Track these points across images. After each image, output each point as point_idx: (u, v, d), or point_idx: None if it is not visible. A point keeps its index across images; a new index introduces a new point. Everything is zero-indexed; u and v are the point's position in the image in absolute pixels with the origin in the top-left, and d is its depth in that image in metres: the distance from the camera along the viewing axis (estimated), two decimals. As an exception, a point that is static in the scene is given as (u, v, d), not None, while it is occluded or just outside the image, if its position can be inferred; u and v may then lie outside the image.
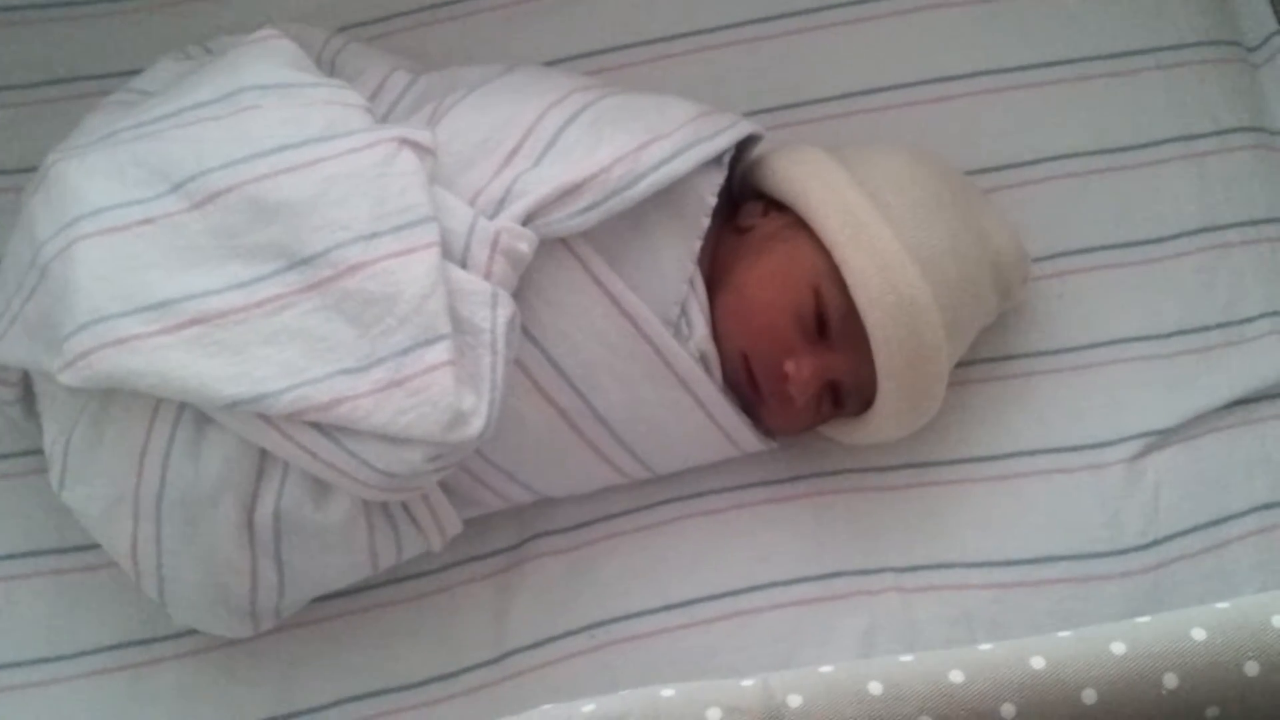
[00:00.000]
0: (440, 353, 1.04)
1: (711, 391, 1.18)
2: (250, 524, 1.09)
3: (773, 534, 1.25)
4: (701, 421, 1.19)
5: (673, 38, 1.41)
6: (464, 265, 1.09)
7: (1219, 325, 1.31)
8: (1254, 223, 1.35)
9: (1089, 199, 1.35)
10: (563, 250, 1.14)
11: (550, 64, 1.38)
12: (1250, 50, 1.41)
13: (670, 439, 1.20)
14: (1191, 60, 1.39)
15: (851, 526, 1.26)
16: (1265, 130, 1.38)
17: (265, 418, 1.04)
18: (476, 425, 1.05)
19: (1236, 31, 1.42)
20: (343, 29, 1.37)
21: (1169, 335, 1.31)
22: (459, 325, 1.06)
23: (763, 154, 1.26)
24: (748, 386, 1.20)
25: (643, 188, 1.14)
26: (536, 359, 1.13)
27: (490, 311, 1.07)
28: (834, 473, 1.28)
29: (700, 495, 1.26)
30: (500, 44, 1.40)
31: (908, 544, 1.25)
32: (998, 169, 1.36)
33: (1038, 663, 0.79)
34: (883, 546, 1.25)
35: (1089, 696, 0.78)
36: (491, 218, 1.11)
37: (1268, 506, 1.25)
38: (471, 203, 1.12)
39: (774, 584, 1.23)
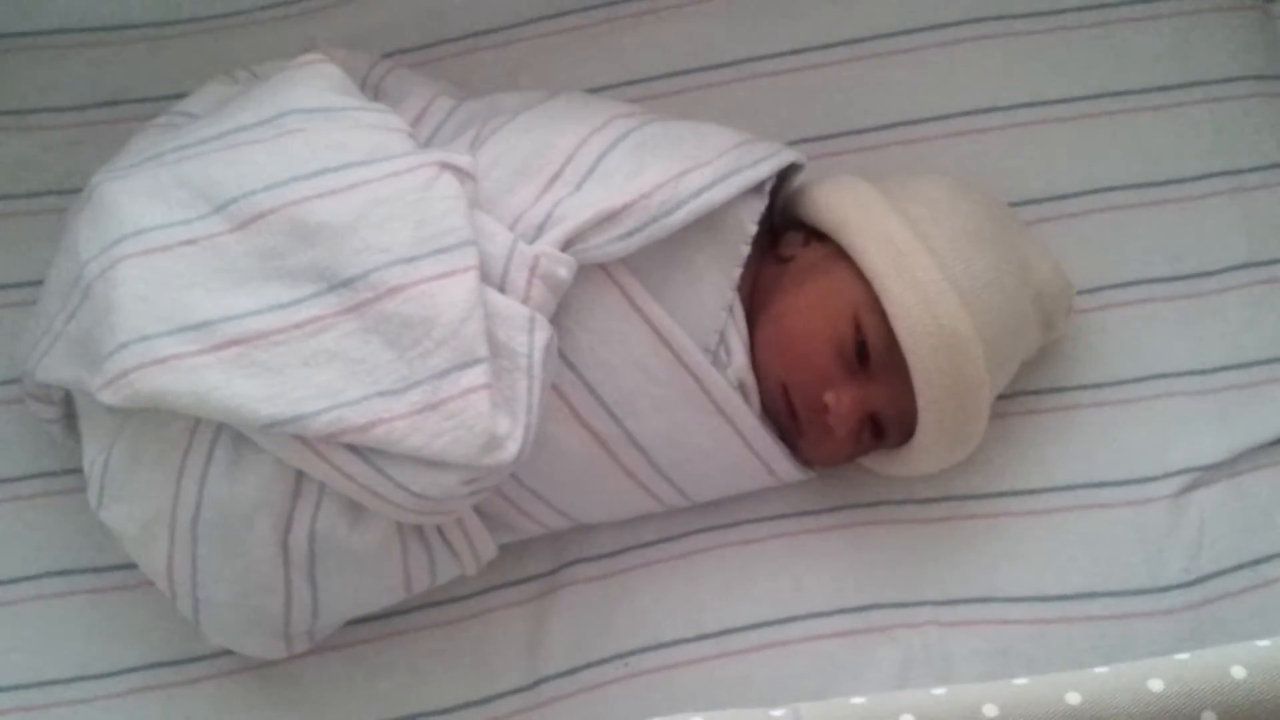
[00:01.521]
0: (477, 376, 1.04)
1: (750, 420, 1.17)
2: (285, 545, 1.09)
3: (809, 565, 1.24)
4: (739, 450, 1.19)
5: (715, 67, 1.41)
6: (502, 289, 1.09)
7: (1265, 361, 1.30)
8: None
9: (1134, 232, 1.34)
10: (602, 276, 1.13)
11: (593, 91, 1.38)
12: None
13: (708, 467, 1.20)
14: (1238, 94, 1.38)
15: (889, 559, 1.24)
16: None
17: (302, 439, 1.04)
18: (511, 450, 1.05)
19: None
20: (388, 54, 1.38)
21: (1214, 370, 1.30)
22: (496, 349, 1.06)
23: (804, 183, 1.25)
24: (787, 417, 1.19)
25: (683, 215, 1.14)
26: (574, 385, 1.13)
27: (528, 336, 1.07)
28: (872, 504, 1.27)
29: (737, 524, 1.25)
30: (543, 71, 1.41)
31: (945, 578, 1.24)
32: (1041, 201, 1.35)
33: (1073, 698, 0.77)
34: (920, 580, 1.23)
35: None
36: (531, 242, 1.11)
37: (1311, 546, 1.23)
38: (511, 227, 1.12)
39: (810, 615, 1.22)
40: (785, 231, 1.25)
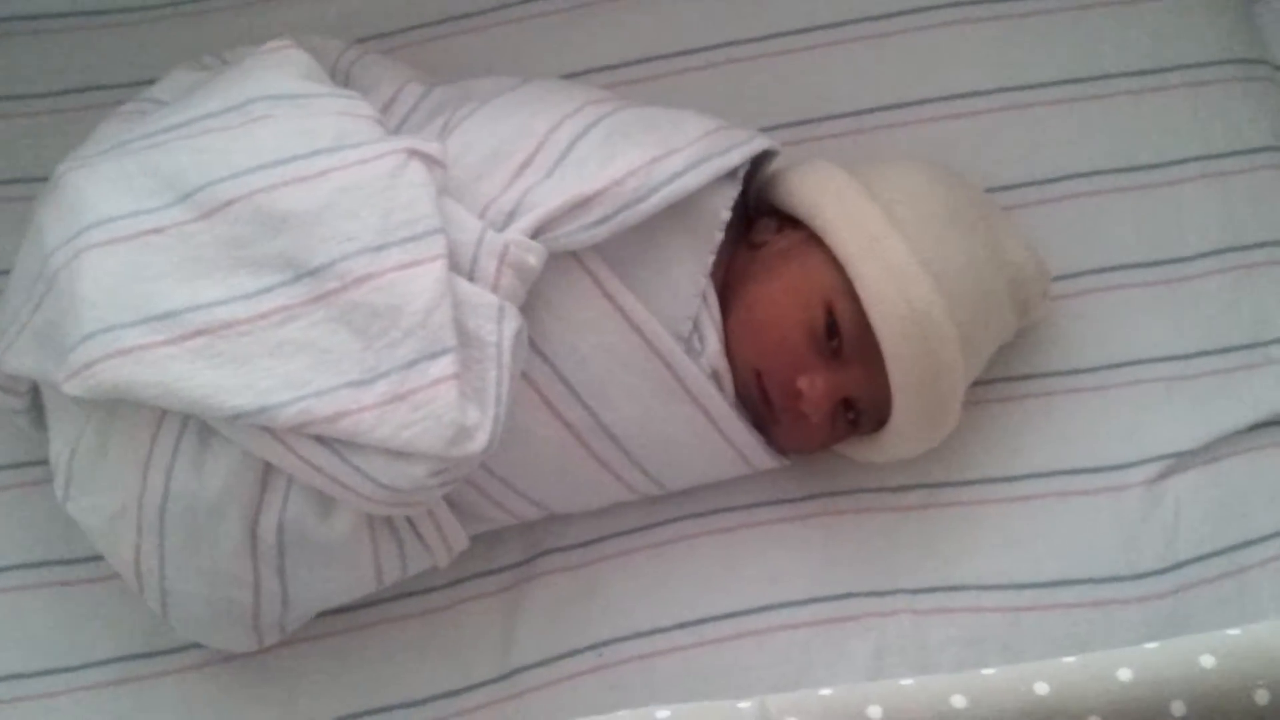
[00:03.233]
0: (445, 366, 1.03)
1: (723, 408, 1.16)
2: (254, 537, 1.08)
3: (784, 553, 1.23)
4: (713, 438, 1.18)
5: (690, 52, 1.40)
6: (471, 278, 1.07)
7: (1242, 347, 1.29)
8: (1278, 243, 1.32)
9: (1111, 217, 1.33)
10: (573, 264, 1.13)
11: (568, 77, 1.37)
12: (1277, 68, 1.39)
13: (681, 455, 1.19)
14: (1217, 78, 1.37)
15: (864, 547, 1.24)
16: None
17: (269, 430, 1.03)
18: (480, 440, 1.04)
19: (1263, 49, 1.40)
20: (359, 40, 1.36)
21: (1191, 356, 1.29)
22: (465, 339, 1.05)
23: (778, 170, 1.24)
24: (761, 403, 1.18)
25: (655, 201, 1.13)
26: (545, 374, 1.12)
27: (497, 325, 1.06)
28: (847, 492, 1.26)
29: (712, 513, 1.25)
30: (518, 57, 1.39)
31: (921, 565, 1.23)
32: (1017, 186, 1.34)
33: (1041, 688, 0.77)
34: (895, 567, 1.23)
35: (1093, 724, 0.76)
36: (501, 230, 1.10)
37: (1287, 531, 1.23)
38: (481, 215, 1.11)
39: (784, 604, 1.21)
40: (759, 218, 1.24)
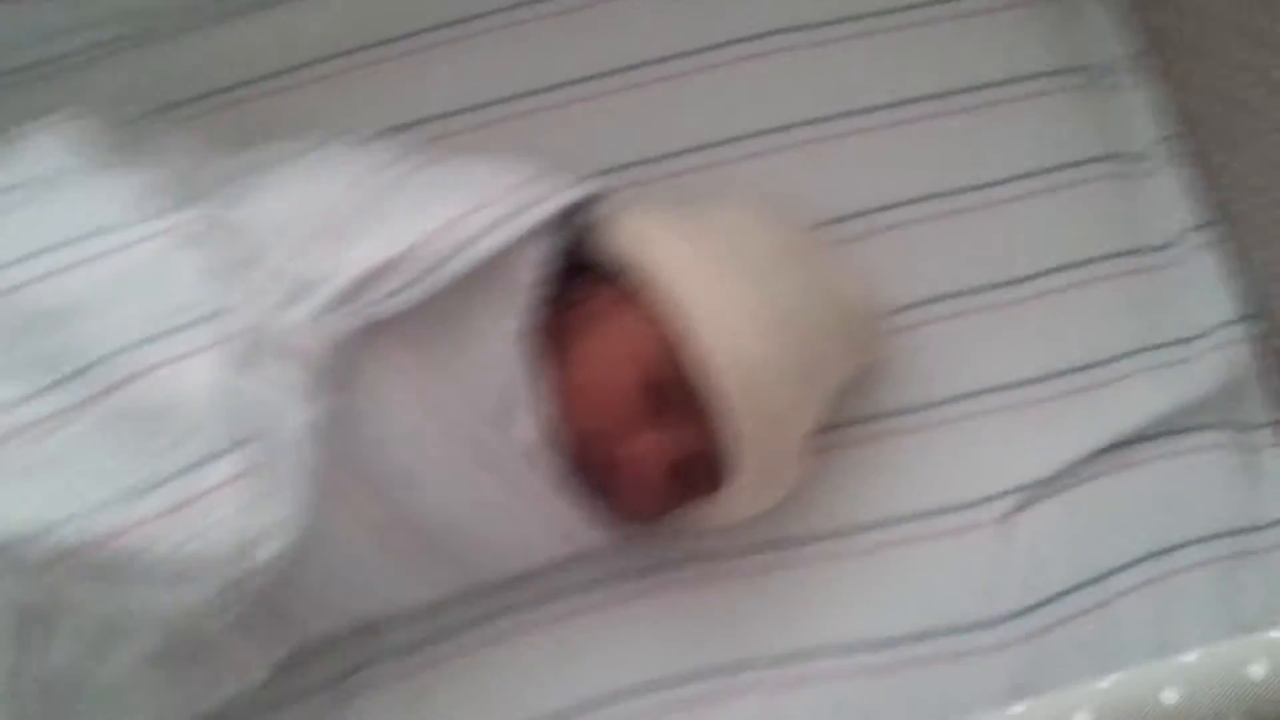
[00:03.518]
0: (226, 468, 0.93)
1: (537, 486, 1.07)
2: (17, 694, 0.95)
3: (622, 637, 1.15)
4: (532, 519, 1.09)
5: (515, 97, 1.31)
6: (255, 365, 0.97)
7: (1084, 367, 1.24)
8: (1114, 255, 1.28)
9: (942, 244, 1.27)
10: (374, 339, 1.02)
11: (394, 130, 1.28)
12: (1100, 76, 1.34)
13: (503, 542, 1.10)
14: (1040, 91, 1.32)
15: (709, 619, 1.16)
16: (1120, 157, 1.31)
17: (29, 561, 0.92)
18: (273, 548, 0.94)
19: (1084, 57, 1.35)
20: (155, 110, 1.28)
21: (1031, 382, 1.23)
22: (249, 434, 0.95)
23: (600, 218, 1.16)
24: (593, 473, 1.10)
25: (459, 263, 1.03)
26: (345, 465, 1.02)
27: (286, 416, 0.96)
28: (689, 560, 1.18)
29: (547, 600, 1.16)
30: (326, 115, 1.30)
31: (772, 634, 1.15)
32: (847, 218, 1.28)
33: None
34: (745, 639, 1.15)
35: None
36: (290, 308, 1.00)
37: (1153, 555, 1.18)
38: (267, 292, 1.01)
39: (625, 693, 1.13)
40: (583, 272, 1.16)
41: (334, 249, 1.03)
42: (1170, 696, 0.71)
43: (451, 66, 1.32)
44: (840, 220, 1.28)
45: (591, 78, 1.32)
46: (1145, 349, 1.25)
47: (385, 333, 1.03)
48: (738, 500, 1.12)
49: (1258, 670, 0.71)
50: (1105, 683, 0.75)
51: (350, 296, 1.01)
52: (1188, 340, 1.25)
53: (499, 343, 1.07)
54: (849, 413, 1.22)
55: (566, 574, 1.16)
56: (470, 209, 1.06)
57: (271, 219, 1.05)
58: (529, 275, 1.08)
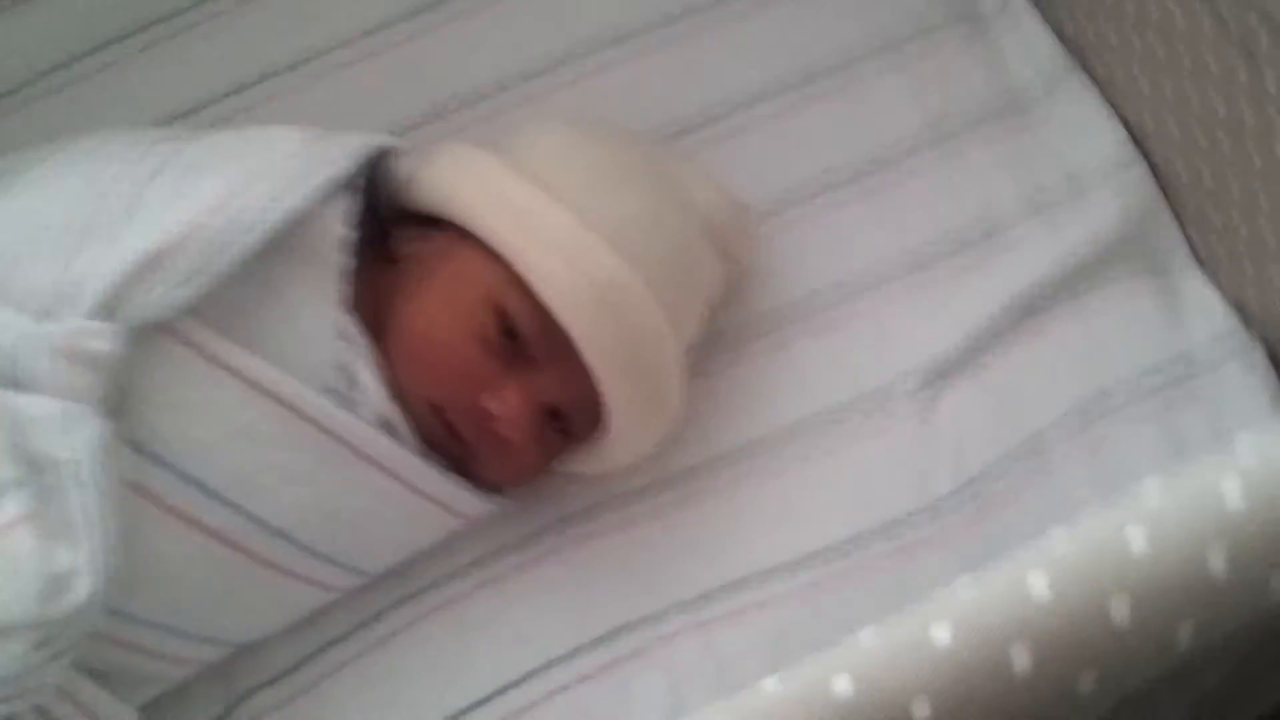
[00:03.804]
0: (11, 508, 0.79)
1: (404, 458, 0.95)
2: None
3: (529, 607, 1.03)
4: (404, 498, 0.96)
5: (291, 68, 1.20)
6: (22, 386, 0.84)
7: (973, 230, 1.14)
8: (980, 119, 1.19)
9: (800, 135, 1.18)
10: (169, 337, 0.89)
11: (165, 121, 1.16)
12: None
13: (374, 529, 0.97)
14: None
15: (620, 570, 1.04)
16: (970, 18, 1.22)
17: None
18: (82, 587, 0.80)
19: None
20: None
21: (921, 256, 1.14)
22: (31, 465, 0.82)
23: (408, 168, 1.04)
24: (452, 440, 0.97)
25: (252, 238, 0.90)
26: (165, 479, 0.88)
27: (68, 437, 0.83)
28: (583, 512, 1.06)
29: (432, 587, 1.03)
30: (100, 111, 1.18)
31: (692, 572, 1.03)
32: (694, 128, 1.18)
33: (842, 686, 0.57)
34: (663, 583, 1.03)
35: (920, 710, 0.57)
36: (55, 318, 0.86)
37: (1081, 407, 1.08)
38: (28, 307, 0.87)
39: (545, 666, 1.01)
40: (398, 227, 1.04)
41: (105, 248, 0.89)
42: (1137, 537, 0.60)
43: (212, 47, 1.21)
44: (687, 130, 1.18)
45: (373, 30, 1.22)
46: (1032, 200, 1.15)
47: (190, 326, 0.90)
48: (622, 439, 1.01)
49: (1231, 491, 0.60)
50: (1056, 538, 0.64)
51: (132, 291, 0.87)
52: (1076, 182, 1.16)
53: (321, 313, 0.94)
54: (733, 325, 1.11)
55: (455, 552, 1.04)
56: (252, 178, 0.93)
57: (23, 228, 0.91)
58: (334, 239, 0.96)
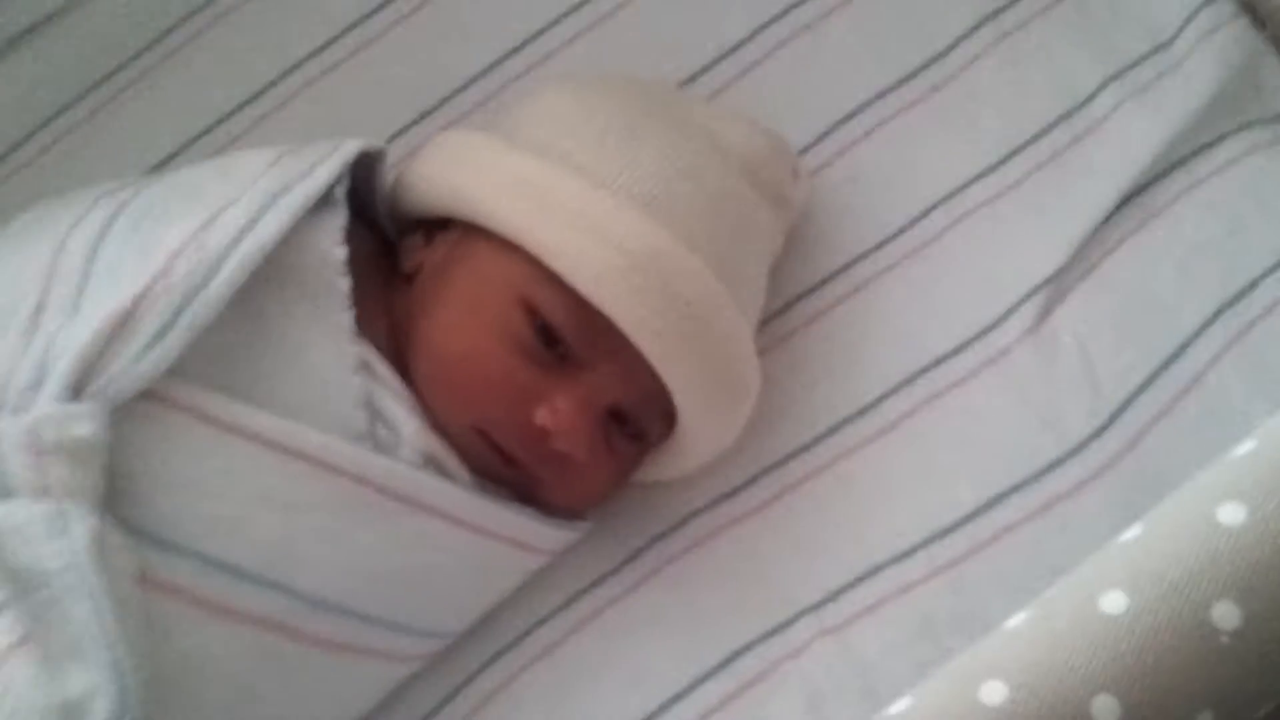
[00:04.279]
0: (3, 635, 0.69)
1: (461, 498, 0.84)
2: None
3: (635, 643, 0.90)
4: (469, 542, 0.84)
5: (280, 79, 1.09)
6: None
7: (1057, 120, 1.00)
8: None
9: (836, 51, 1.05)
10: (159, 405, 0.79)
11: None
12: None
13: (441, 584, 0.86)
14: None
15: (731, 583, 0.91)
16: None
17: None
18: (101, 711, 0.69)
19: None
20: None
21: (1005, 160, 1.00)
22: (20, 582, 0.71)
23: (399, 170, 0.92)
24: (507, 466, 0.86)
25: (228, 275, 0.79)
26: (185, 567, 0.77)
27: (56, 543, 0.72)
28: (676, 525, 0.93)
29: (525, 636, 0.91)
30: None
31: (811, 571, 0.91)
32: (711, 65, 1.05)
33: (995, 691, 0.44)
34: (781, 589, 0.91)
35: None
36: (26, 409, 0.76)
37: (1222, 308, 0.94)
38: None
39: (665, 707, 0.88)
40: (403, 239, 0.93)
41: (67, 321, 0.79)
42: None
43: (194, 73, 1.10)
44: (704, 70, 1.05)
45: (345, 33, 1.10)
46: (1115, 75, 1.01)
47: (177, 388, 0.79)
48: (700, 429, 0.88)
49: None
50: (1243, 448, 0.50)
51: (103, 363, 0.76)
52: (1164, 46, 1.01)
53: (330, 347, 0.83)
54: (801, 280, 0.98)
55: (541, 593, 0.92)
56: (209, 218, 0.82)
57: None
58: (332, 262, 0.85)
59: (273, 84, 1.08)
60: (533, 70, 1.06)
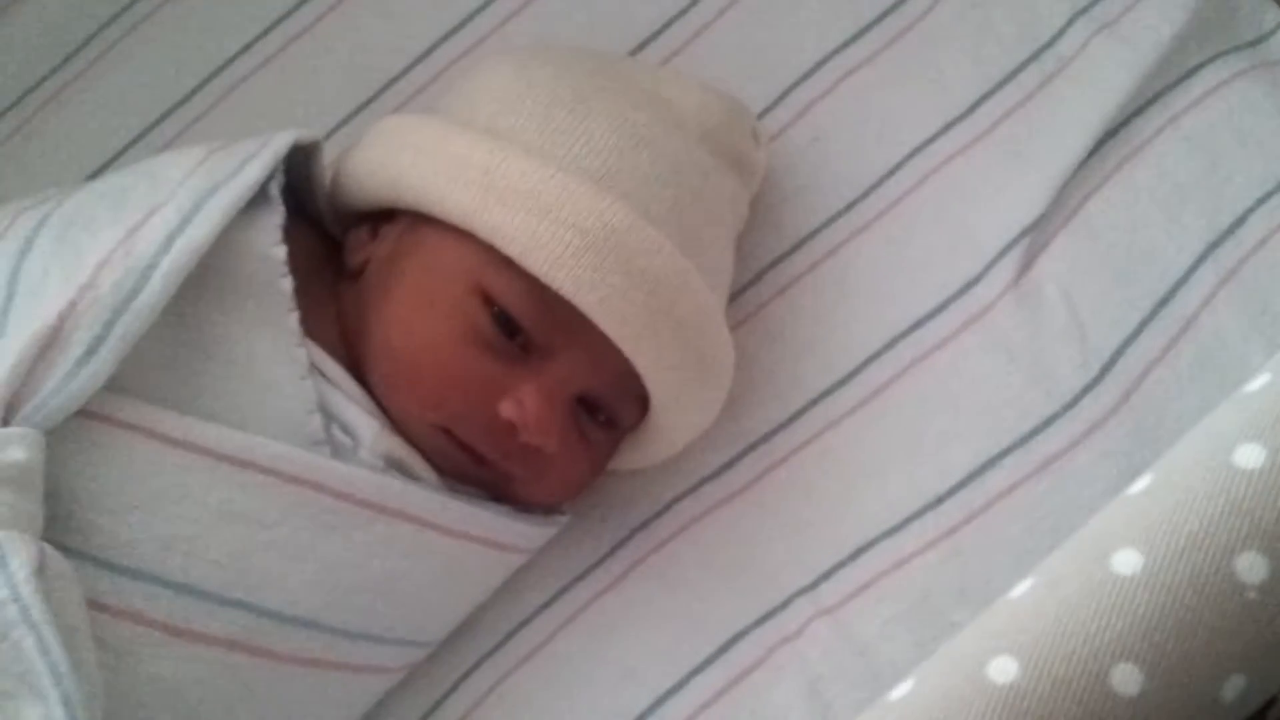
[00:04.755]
0: None
1: (428, 499, 0.80)
2: None
3: (623, 638, 0.87)
4: (441, 545, 0.81)
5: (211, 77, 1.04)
6: None
7: (1025, 61, 0.96)
8: None
9: (787, 6, 1.00)
10: (99, 424, 0.74)
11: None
12: None
13: (415, 590, 0.81)
14: None
15: (720, 569, 0.88)
16: None
17: None
18: None
19: None
20: None
21: (974, 107, 0.96)
22: None
23: (338, 161, 0.88)
24: (475, 464, 0.82)
25: (160, 283, 0.75)
26: (142, 591, 0.73)
27: None
28: (659, 512, 0.89)
29: (508, 639, 0.88)
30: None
31: (803, 551, 0.87)
32: (659, 33, 1.01)
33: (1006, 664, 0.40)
34: (772, 571, 0.87)
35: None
36: None
37: (1210, 247, 0.90)
38: None
39: (659, 702, 0.85)
40: (349, 233, 0.88)
41: None
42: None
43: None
44: (655, 36, 1.01)
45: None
46: (1083, 9, 0.97)
47: (120, 406, 0.75)
48: (675, 410, 0.84)
49: None
50: (1256, 383, 0.47)
51: (34, 383, 0.72)
52: None
53: (277, 351, 0.79)
54: (771, 247, 0.94)
55: (523, 593, 0.88)
56: (137, 223, 0.77)
57: None
58: (271, 262, 0.81)
59: (204, 83, 1.03)
60: (472, 50, 1.02)
